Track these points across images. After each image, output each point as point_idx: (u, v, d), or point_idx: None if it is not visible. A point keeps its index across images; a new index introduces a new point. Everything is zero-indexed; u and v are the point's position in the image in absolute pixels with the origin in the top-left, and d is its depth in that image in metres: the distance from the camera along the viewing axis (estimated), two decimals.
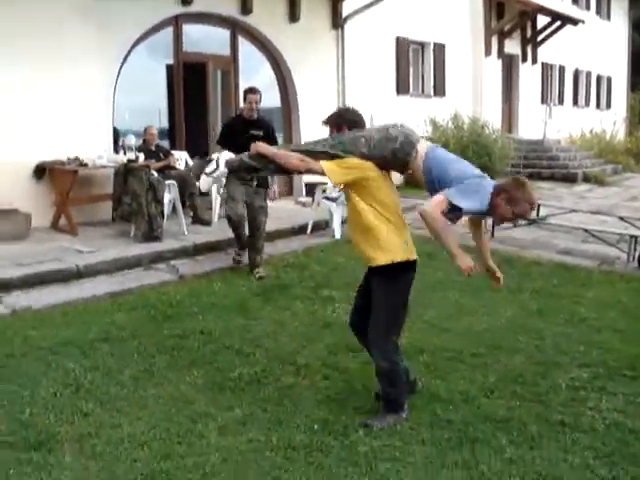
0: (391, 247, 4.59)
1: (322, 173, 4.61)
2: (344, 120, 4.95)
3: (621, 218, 11.32)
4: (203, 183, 6.38)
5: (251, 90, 8.35)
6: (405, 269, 4.66)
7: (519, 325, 6.84)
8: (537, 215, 11.80)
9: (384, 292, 4.67)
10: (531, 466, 4.11)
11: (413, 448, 4.30)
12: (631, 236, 9.87)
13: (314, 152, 4.72)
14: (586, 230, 10.66)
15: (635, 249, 9.69)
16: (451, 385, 5.29)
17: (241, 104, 11.89)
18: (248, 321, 6.67)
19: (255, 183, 8.19)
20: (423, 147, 4.64)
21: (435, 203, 4.42)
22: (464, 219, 4.84)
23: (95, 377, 5.21)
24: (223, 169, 5.80)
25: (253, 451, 4.21)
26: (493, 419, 4.73)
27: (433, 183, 4.56)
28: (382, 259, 4.58)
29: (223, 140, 8.50)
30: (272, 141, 7.84)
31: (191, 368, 5.46)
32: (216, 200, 10.32)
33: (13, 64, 9.45)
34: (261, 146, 4.91)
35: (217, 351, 5.85)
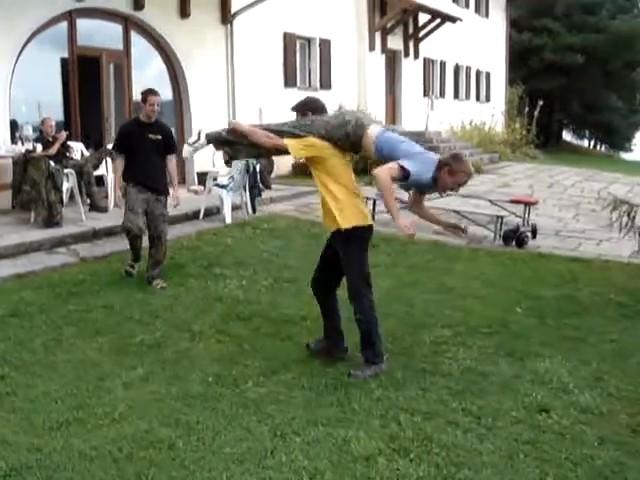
0: (349, 214, 5.35)
1: (285, 149, 5.43)
2: (308, 107, 5.74)
3: (491, 201, 12.32)
4: (185, 152, 6.77)
5: (152, 92, 7.73)
6: (362, 232, 5.46)
7: (394, 295, 7.63)
8: None
9: (349, 253, 5.46)
10: (395, 402, 4.88)
11: (295, 393, 5.00)
12: (497, 217, 10.86)
13: (281, 132, 5.54)
14: (457, 212, 11.59)
15: (501, 228, 10.68)
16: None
17: (135, 96, 12.36)
18: (147, 296, 7.24)
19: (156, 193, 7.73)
20: (374, 130, 5.41)
21: (387, 167, 5.20)
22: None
23: (8, 346, 5.71)
24: (203, 140, 6.24)
25: (156, 400, 4.81)
26: None
27: (385, 161, 5.31)
28: (343, 224, 5.34)
29: (119, 147, 7.78)
30: (171, 146, 7.92)
31: (96, 336, 6.01)
32: (111, 187, 10.77)
33: None
34: (237, 123, 5.84)
35: (119, 322, 6.42)
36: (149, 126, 7.71)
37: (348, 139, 5.40)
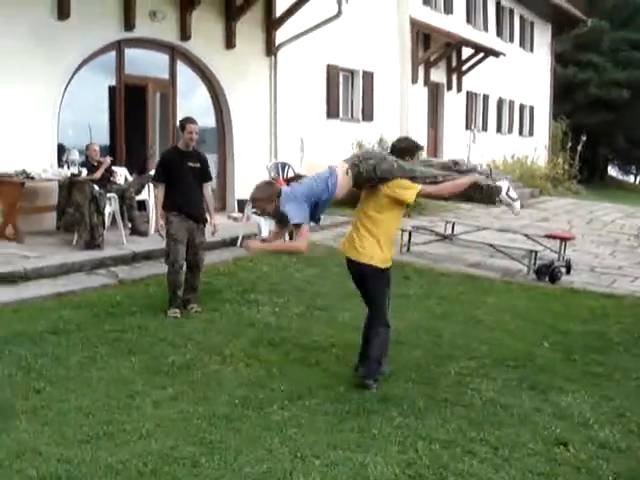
0: None
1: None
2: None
3: (526, 236, 12.39)
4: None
5: (190, 120, 7.81)
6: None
7: (422, 326, 7.75)
8: (452, 232, 12.84)
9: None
10: (414, 430, 5.00)
11: (318, 418, 5.14)
12: (531, 251, 10.92)
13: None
14: (492, 245, 11.68)
15: (534, 263, 10.73)
16: (352, 371, 6.12)
17: (177, 123, 12.67)
18: (181, 320, 7.45)
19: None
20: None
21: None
22: None
23: (45, 362, 5.94)
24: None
25: (182, 420, 4.99)
26: (388, 397, 5.60)
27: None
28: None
29: (161, 175, 7.81)
30: (207, 174, 8.04)
31: (130, 356, 6.22)
32: (152, 212, 11.06)
33: None
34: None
35: (153, 343, 6.63)
36: (188, 154, 7.82)
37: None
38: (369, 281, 5.87)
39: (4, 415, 4.90)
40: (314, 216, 5.70)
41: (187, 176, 7.74)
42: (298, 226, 5.48)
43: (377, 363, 5.88)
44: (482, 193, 5.94)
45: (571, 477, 4.45)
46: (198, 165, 7.87)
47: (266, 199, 5.71)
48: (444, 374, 6.26)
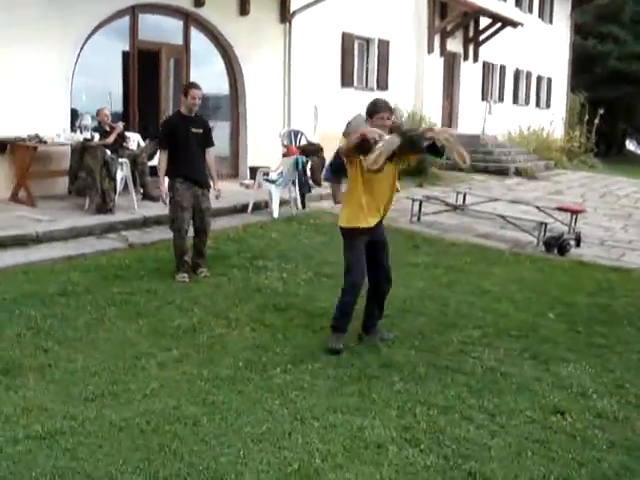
0: None
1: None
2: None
3: (538, 207, 12.39)
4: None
5: (194, 85, 7.83)
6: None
7: (428, 294, 7.79)
8: (463, 202, 12.86)
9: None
10: (414, 395, 5.07)
11: (319, 382, 5.22)
12: (541, 223, 10.92)
13: None
14: (502, 217, 11.69)
15: (544, 235, 10.74)
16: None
17: None
18: (189, 284, 7.53)
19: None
20: None
21: None
22: None
23: (53, 323, 6.05)
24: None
25: (186, 381, 5.08)
26: (390, 363, 5.67)
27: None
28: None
29: (164, 141, 7.75)
30: (210, 140, 8.02)
31: (137, 318, 6.31)
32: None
33: None
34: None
35: (160, 306, 6.72)
36: (191, 120, 7.77)
37: None
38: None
39: (12, 373, 5.01)
40: None
41: (191, 142, 7.74)
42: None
43: (334, 319, 6.05)
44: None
45: (566, 445, 4.51)
46: (201, 131, 7.84)
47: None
48: (447, 342, 6.31)
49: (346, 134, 5.99)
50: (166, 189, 7.72)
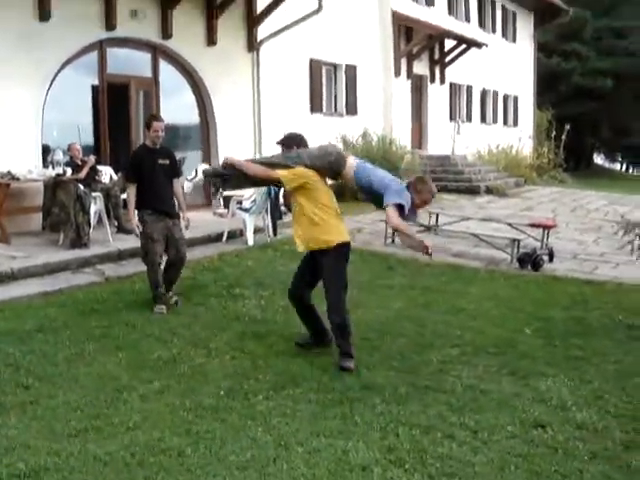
0: (338, 231, 6.21)
1: (278, 179, 6.15)
2: (294, 142, 6.52)
3: (510, 225, 12.52)
4: (185, 187, 7.23)
5: (155, 118, 7.95)
6: (346, 246, 6.27)
7: (406, 315, 7.86)
8: (436, 223, 12.96)
9: (336, 264, 6.20)
10: (396, 416, 5.11)
11: (301, 407, 5.25)
12: (513, 240, 11.05)
13: (272, 164, 6.29)
14: (475, 235, 11.81)
15: (518, 251, 10.86)
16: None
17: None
18: (167, 315, 7.53)
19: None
20: (352, 162, 6.26)
21: (393, 214, 6.00)
22: None
23: (32, 359, 6.02)
24: (200, 176, 6.77)
25: (169, 412, 5.08)
26: (370, 386, 5.71)
27: (365, 187, 6.23)
28: (335, 240, 6.12)
29: (132, 174, 7.77)
30: (177, 170, 8.09)
31: (116, 352, 6.30)
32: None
33: None
34: (231, 158, 6.43)
35: (139, 338, 6.71)
36: (157, 152, 7.80)
37: (331, 169, 6.20)
38: None
39: None
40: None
41: (158, 173, 7.75)
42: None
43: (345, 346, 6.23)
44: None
45: (548, 458, 4.57)
46: (167, 162, 7.87)
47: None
48: (426, 362, 6.37)
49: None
50: (137, 221, 7.72)
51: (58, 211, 9.92)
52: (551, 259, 11.04)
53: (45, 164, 11.36)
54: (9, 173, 10.28)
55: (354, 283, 8.93)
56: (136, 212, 7.79)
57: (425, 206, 6.44)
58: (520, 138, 25.81)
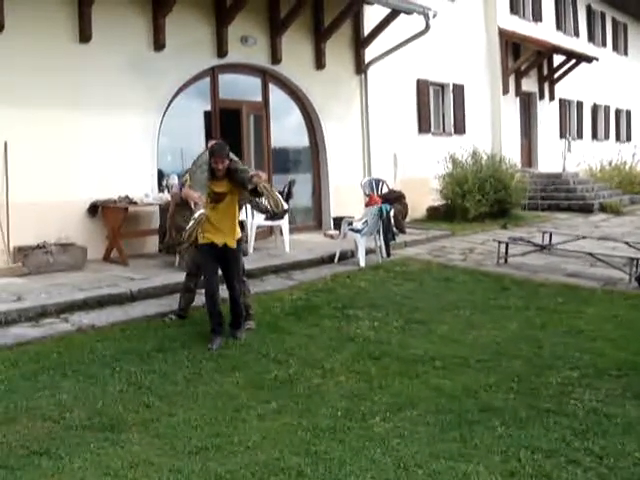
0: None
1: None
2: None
3: (627, 243, 12.13)
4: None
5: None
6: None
7: (522, 336, 7.70)
8: (549, 242, 12.68)
9: (240, 256, 7.68)
10: (517, 440, 4.99)
11: (419, 429, 5.19)
12: (631, 258, 10.69)
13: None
14: (591, 254, 11.48)
15: (636, 271, 10.50)
16: (456, 384, 6.16)
17: (273, 145, 13.09)
18: (282, 335, 7.61)
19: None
20: None
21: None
22: None
23: (153, 378, 6.18)
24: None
25: (287, 432, 5.11)
26: (489, 408, 5.60)
27: None
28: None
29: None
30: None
31: (234, 371, 6.40)
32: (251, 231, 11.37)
33: (75, 111, 10.76)
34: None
35: (255, 359, 6.80)
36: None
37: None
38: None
39: (117, 428, 5.13)
40: None
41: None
42: None
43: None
44: None
45: None
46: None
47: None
48: (545, 384, 6.21)
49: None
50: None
51: (174, 234, 10.18)
52: None
53: (160, 188, 11.70)
54: (127, 197, 10.65)
55: (467, 303, 9.02)
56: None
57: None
58: (634, 154, 25.02)
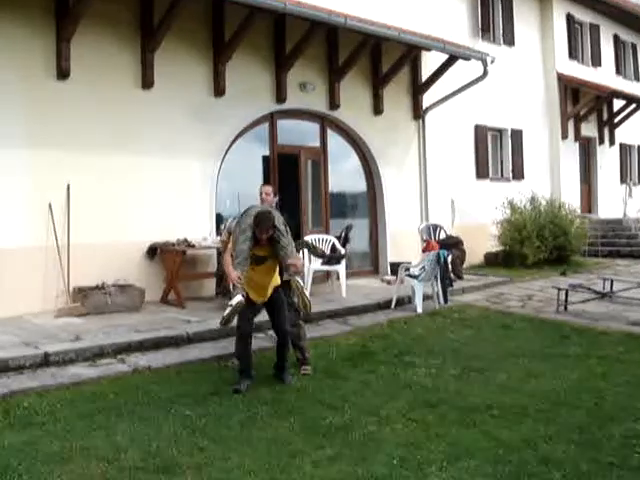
0: None
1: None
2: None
3: None
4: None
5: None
6: None
7: (583, 386, 7.50)
8: (610, 289, 12.43)
9: (284, 300, 7.64)
10: None
11: (477, 479, 5.08)
12: None
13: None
14: None
15: None
16: (515, 433, 6.01)
17: (330, 189, 13.14)
18: (337, 381, 7.55)
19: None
20: None
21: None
22: None
23: (208, 421, 6.17)
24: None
25: (342, 479, 5.05)
26: (549, 460, 5.44)
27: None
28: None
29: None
30: None
31: (288, 416, 6.35)
32: (308, 276, 11.36)
33: (137, 155, 11.02)
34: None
35: (310, 404, 6.74)
36: None
37: None
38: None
39: (171, 471, 5.11)
40: None
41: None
42: None
43: None
44: None
45: None
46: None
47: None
48: (608, 436, 6.02)
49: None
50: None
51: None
52: None
53: (218, 232, 11.80)
54: (185, 240, 10.76)
55: (526, 351, 8.85)
56: None
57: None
58: None
